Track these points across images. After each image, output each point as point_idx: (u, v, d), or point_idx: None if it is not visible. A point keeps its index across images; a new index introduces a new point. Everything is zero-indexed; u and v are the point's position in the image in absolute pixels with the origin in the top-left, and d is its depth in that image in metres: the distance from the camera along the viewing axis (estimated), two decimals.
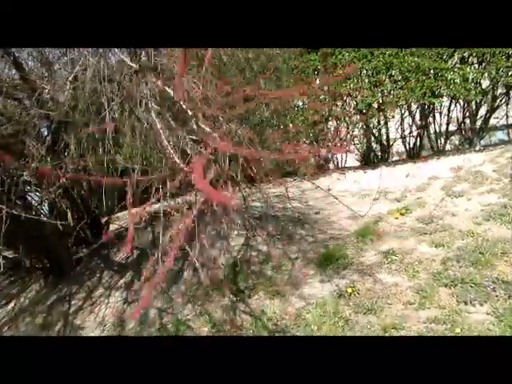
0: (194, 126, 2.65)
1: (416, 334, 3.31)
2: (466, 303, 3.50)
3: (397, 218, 5.08)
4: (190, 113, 2.72)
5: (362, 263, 4.41)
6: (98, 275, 5.78)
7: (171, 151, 2.64)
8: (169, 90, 2.88)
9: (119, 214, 6.92)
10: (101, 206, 6.35)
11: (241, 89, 2.92)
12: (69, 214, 5.36)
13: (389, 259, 4.32)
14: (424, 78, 6.15)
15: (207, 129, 2.48)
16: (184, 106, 2.72)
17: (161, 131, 2.81)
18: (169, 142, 2.73)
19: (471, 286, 3.62)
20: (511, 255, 3.86)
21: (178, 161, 2.65)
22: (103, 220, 6.58)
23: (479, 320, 3.30)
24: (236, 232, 5.49)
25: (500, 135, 8.38)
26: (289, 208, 5.76)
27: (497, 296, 3.48)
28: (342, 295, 4.02)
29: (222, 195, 2.11)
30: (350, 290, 4.01)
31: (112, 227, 6.79)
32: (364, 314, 3.73)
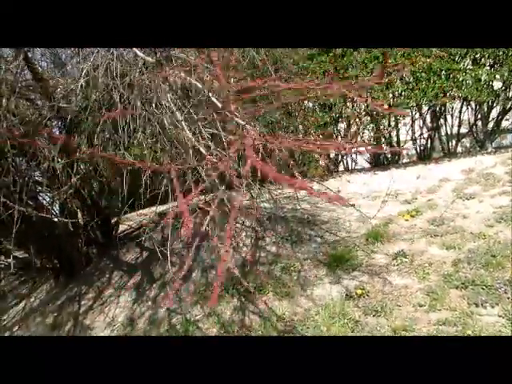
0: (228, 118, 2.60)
1: None
2: (477, 305, 3.46)
3: (407, 220, 5.04)
4: (219, 105, 2.68)
5: (372, 265, 4.38)
6: (107, 275, 5.81)
7: (195, 142, 2.62)
8: (195, 82, 2.84)
9: (128, 215, 6.96)
10: (111, 207, 6.41)
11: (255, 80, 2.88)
12: (79, 214, 5.41)
13: (399, 261, 4.29)
14: (435, 78, 6.12)
15: (241, 122, 2.44)
16: (216, 101, 2.68)
17: (183, 123, 2.79)
18: (193, 133, 2.71)
19: (482, 288, 3.58)
20: None
21: (203, 151, 2.63)
22: (113, 220, 6.61)
23: (490, 322, 3.26)
24: (245, 233, 5.49)
25: None
26: (298, 209, 5.75)
27: (508, 298, 3.43)
28: (351, 297, 3.99)
29: (303, 183, 1.99)
30: (359, 292, 3.98)
31: (121, 227, 6.84)
32: (373, 315, 3.70)
